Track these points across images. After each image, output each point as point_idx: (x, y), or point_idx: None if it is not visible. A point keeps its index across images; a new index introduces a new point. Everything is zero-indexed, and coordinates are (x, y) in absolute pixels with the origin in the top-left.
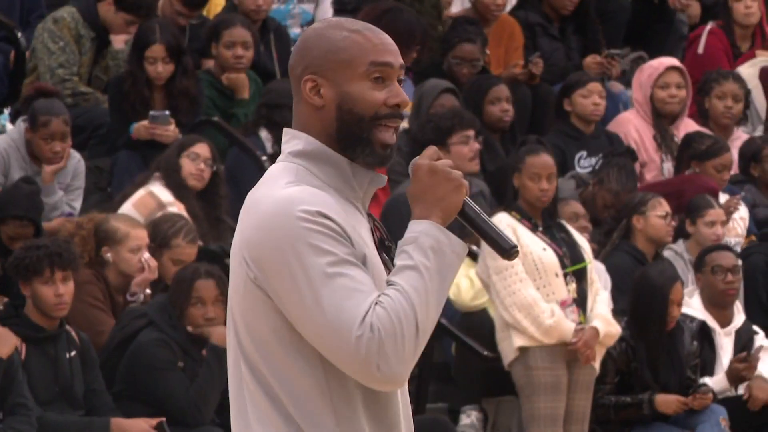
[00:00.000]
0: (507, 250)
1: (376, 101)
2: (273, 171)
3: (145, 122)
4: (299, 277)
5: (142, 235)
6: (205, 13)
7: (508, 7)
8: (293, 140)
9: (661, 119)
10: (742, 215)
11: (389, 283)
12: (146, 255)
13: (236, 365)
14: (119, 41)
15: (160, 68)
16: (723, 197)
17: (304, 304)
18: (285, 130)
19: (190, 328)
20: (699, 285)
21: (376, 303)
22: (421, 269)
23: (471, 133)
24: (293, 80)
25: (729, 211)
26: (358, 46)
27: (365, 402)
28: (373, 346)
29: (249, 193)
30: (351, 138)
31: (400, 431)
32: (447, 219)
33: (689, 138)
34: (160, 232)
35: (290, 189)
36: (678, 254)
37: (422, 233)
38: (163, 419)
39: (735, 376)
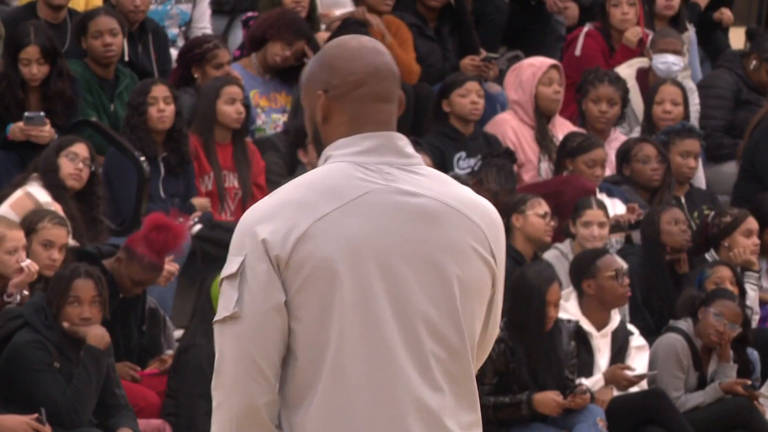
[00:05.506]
0: None
1: None
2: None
3: (20, 123)
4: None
5: (18, 237)
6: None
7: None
8: None
9: (543, 118)
10: (619, 212)
11: None
12: (27, 261)
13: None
14: None
15: (34, 70)
16: (602, 198)
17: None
18: None
19: (66, 324)
20: (589, 290)
21: None
22: None
23: None
24: None
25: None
26: None
27: None
28: None
29: (446, 192)
30: None
31: None
32: None
33: (565, 138)
34: (26, 221)
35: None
36: (564, 254)
37: None
38: (42, 409)
39: (614, 381)
